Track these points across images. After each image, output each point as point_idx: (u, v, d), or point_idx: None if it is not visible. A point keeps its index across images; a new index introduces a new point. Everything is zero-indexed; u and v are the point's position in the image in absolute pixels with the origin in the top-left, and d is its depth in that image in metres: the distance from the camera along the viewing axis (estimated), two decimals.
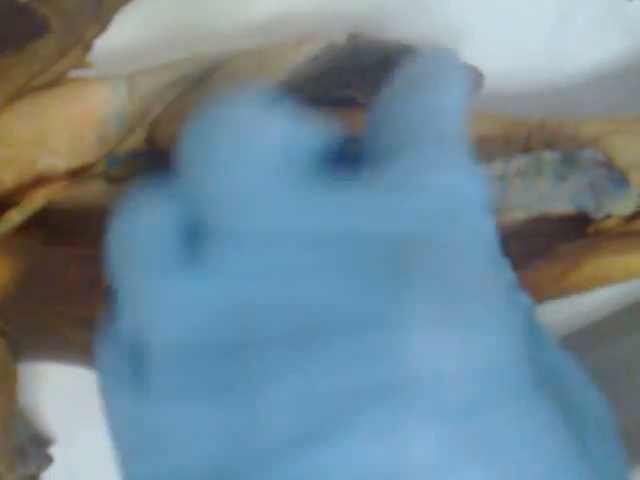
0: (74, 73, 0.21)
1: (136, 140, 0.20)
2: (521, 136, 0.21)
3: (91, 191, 0.20)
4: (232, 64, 0.20)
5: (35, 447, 0.24)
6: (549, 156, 0.18)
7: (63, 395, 0.24)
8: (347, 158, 0.16)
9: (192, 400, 0.13)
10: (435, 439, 0.12)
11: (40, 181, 0.19)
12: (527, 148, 0.21)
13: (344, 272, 0.13)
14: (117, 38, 0.22)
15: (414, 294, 0.13)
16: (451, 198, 0.14)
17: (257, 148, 0.14)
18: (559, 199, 0.19)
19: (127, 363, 0.15)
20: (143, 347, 0.14)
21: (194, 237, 0.14)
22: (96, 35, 0.20)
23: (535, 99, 0.24)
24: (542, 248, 0.20)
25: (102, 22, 0.20)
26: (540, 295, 0.20)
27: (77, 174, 0.20)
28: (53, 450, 0.24)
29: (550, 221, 0.21)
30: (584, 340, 0.24)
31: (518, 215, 0.20)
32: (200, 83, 0.20)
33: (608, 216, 0.20)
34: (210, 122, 0.15)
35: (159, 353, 0.14)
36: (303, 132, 0.15)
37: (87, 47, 0.20)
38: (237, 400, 0.13)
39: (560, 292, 0.20)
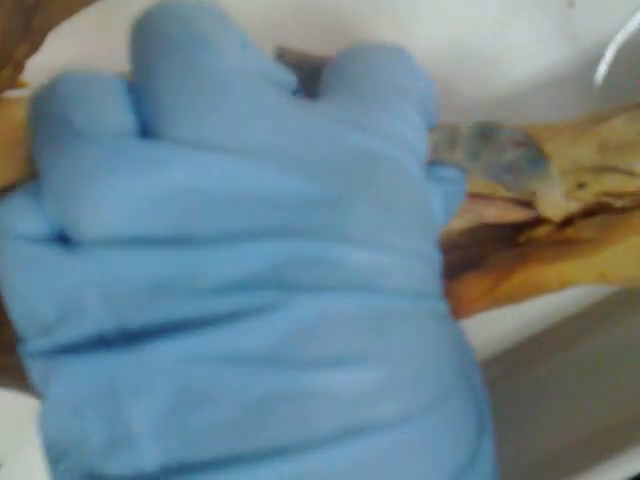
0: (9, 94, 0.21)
1: None
2: None
3: None
4: None
5: None
6: (465, 130, 0.18)
7: (9, 418, 0.24)
8: None
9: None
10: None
11: None
12: None
13: (298, 170, 0.13)
14: (54, 57, 0.22)
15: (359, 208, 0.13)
16: (395, 142, 0.15)
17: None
18: (472, 173, 0.18)
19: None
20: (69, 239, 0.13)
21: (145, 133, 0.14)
22: (27, 55, 0.20)
23: (479, 105, 0.24)
24: (477, 258, 0.20)
25: (33, 42, 0.20)
26: (475, 305, 0.19)
27: (8, 190, 0.20)
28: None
29: (486, 230, 0.21)
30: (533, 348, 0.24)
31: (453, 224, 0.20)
32: None
33: (540, 222, 0.20)
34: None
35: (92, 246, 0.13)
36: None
37: (19, 67, 0.20)
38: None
39: (494, 302, 0.19)
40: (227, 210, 0.13)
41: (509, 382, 0.23)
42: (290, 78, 0.15)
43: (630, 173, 0.19)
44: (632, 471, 0.18)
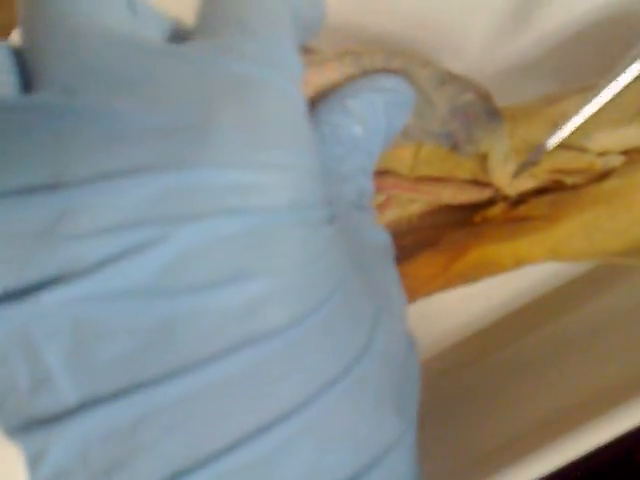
0: None
1: None
2: None
3: None
4: None
5: None
6: (439, 65, 0.18)
7: None
8: None
9: None
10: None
11: None
12: None
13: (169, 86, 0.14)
14: None
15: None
16: (262, 64, 0.15)
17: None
18: (435, 110, 0.19)
19: None
20: None
21: None
22: None
23: None
24: (434, 239, 0.20)
25: None
26: (430, 285, 0.20)
27: None
28: None
29: (443, 213, 0.21)
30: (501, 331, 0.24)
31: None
32: None
33: (495, 202, 0.20)
34: None
35: None
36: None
37: None
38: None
39: (449, 281, 0.20)
40: (95, 152, 0.13)
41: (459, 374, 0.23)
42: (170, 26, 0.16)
43: (581, 149, 0.19)
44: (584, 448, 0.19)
